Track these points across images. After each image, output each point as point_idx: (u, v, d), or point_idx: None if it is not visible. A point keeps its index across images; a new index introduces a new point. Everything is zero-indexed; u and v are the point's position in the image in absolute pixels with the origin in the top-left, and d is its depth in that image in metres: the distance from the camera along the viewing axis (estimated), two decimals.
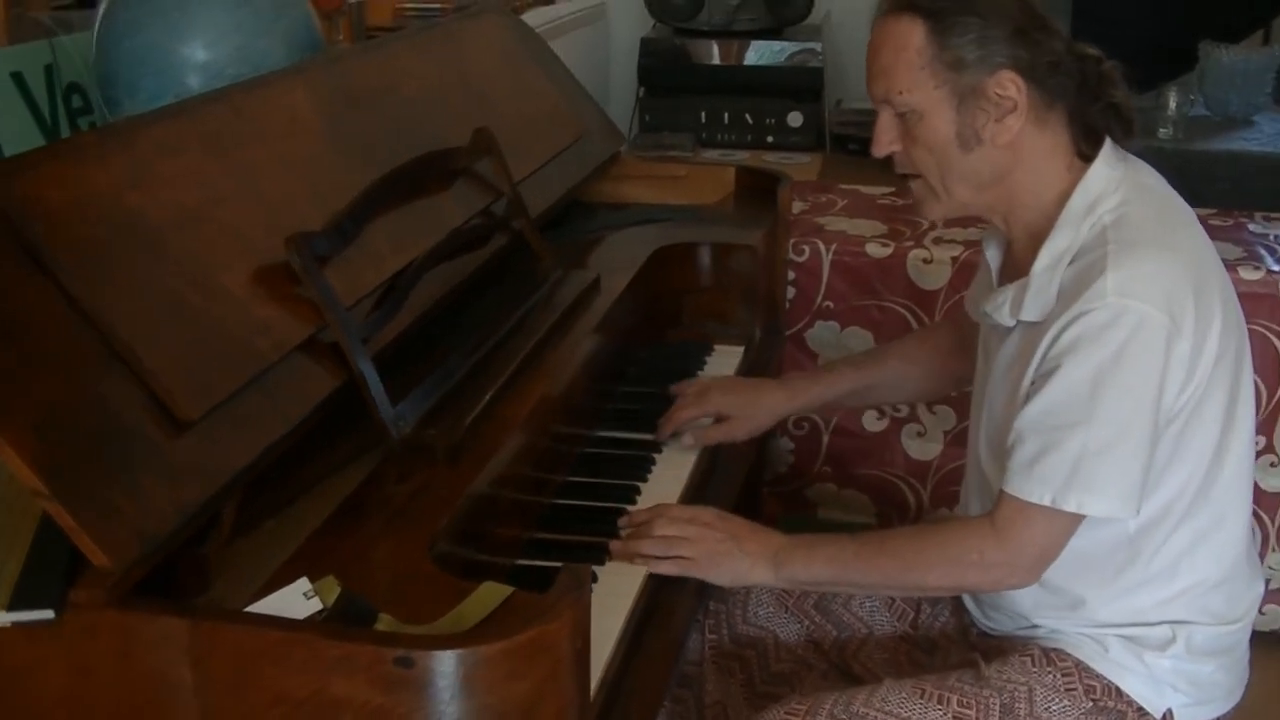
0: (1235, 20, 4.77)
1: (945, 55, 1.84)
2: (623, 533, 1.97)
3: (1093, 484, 1.78)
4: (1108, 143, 1.90)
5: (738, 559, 1.95)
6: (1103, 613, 1.95)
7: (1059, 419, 1.78)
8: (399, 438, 1.76)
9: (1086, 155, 1.90)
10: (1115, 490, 1.78)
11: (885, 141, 1.94)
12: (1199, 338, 1.79)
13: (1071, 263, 1.84)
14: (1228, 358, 1.87)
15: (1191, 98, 4.30)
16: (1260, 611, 3.19)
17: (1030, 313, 1.88)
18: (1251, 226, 3.43)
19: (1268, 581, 3.20)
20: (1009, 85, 1.83)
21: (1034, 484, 1.80)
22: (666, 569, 1.92)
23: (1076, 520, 1.82)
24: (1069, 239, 1.85)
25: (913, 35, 1.86)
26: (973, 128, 1.86)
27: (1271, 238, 3.33)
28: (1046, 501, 1.80)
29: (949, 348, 2.36)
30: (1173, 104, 4.07)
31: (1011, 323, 1.93)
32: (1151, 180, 1.95)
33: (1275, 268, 3.10)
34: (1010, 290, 1.92)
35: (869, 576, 1.95)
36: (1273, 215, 3.56)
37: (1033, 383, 1.83)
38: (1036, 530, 1.83)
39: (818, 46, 4.33)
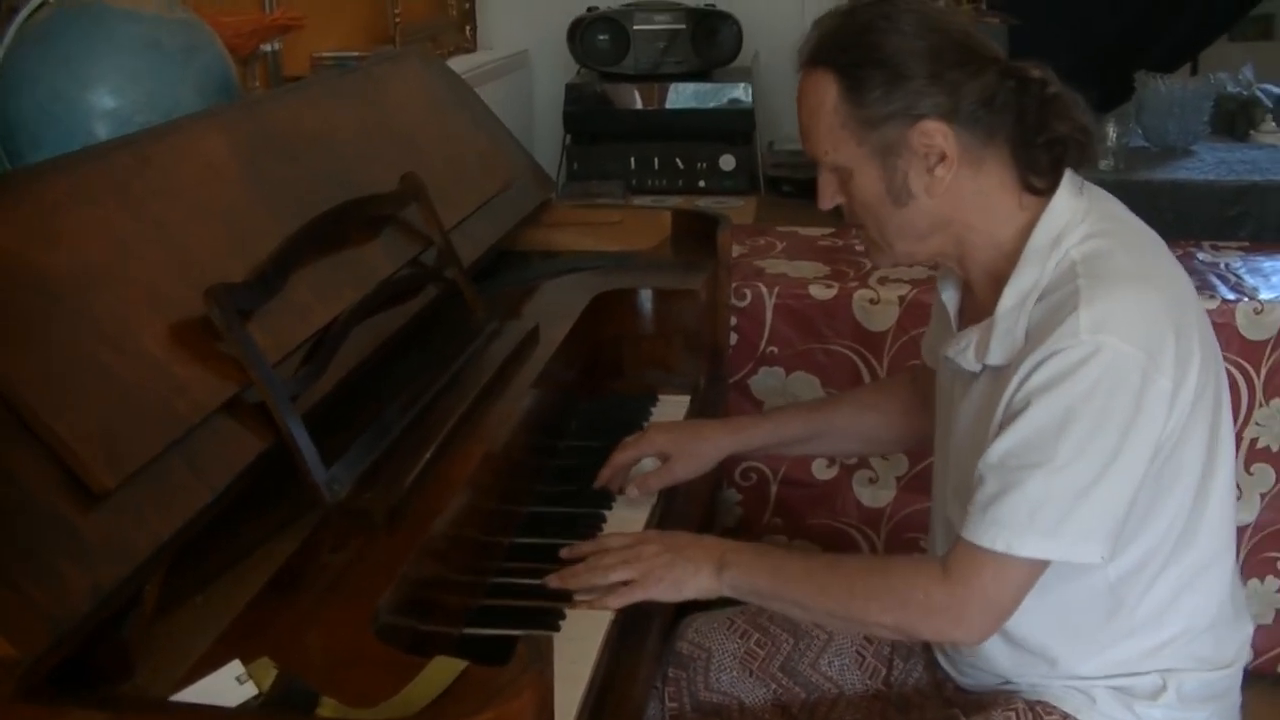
0: (1166, 52, 4.82)
1: (860, 113, 1.76)
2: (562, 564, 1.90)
3: (1053, 528, 1.68)
4: (1068, 172, 1.80)
5: (679, 568, 1.86)
6: (1086, 667, 1.86)
7: (1022, 459, 1.69)
8: (333, 502, 1.64)
9: (1038, 189, 1.79)
10: (1083, 534, 1.69)
11: (827, 197, 1.88)
12: (1179, 374, 1.70)
13: (1039, 300, 1.74)
14: (1207, 395, 1.78)
15: (1130, 128, 4.29)
16: None
17: (996, 356, 1.79)
18: (1200, 255, 3.41)
19: None
20: (933, 135, 1.74)
21: (988, 527, 1.70)
22: (613, 602, 1.83)
23: (1034, 568, 1.72)
24: (1034, 276, 1.75)
25: (828, 94, 1.78)
26: (902, 182, 1.78)
27: (1222, 266, 3.30)
28: (1000, 547, 1.69)
29: (907, 401, 2.26)
30: (1112, 135, 4.06)
31: (977, 367, 1.83)
32: (1117, 209, 1.86)
33: (1230, 296, 3.06)
34: (974, 333, 1.83)
35: (810, 597, 1.84)
36: (1220, 244, 3.55)
37: (1001, 425, 1.73)
38: (986, 577, 1.72)
39: (747, 88, 4.28)
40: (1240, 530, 3.11)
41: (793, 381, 3.18)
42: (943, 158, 1.75)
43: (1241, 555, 3.14)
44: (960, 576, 1.73)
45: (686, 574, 1.86)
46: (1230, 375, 3.00)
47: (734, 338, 3.15)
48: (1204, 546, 1.84)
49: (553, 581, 1.86)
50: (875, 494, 3.23)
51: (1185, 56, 5.08)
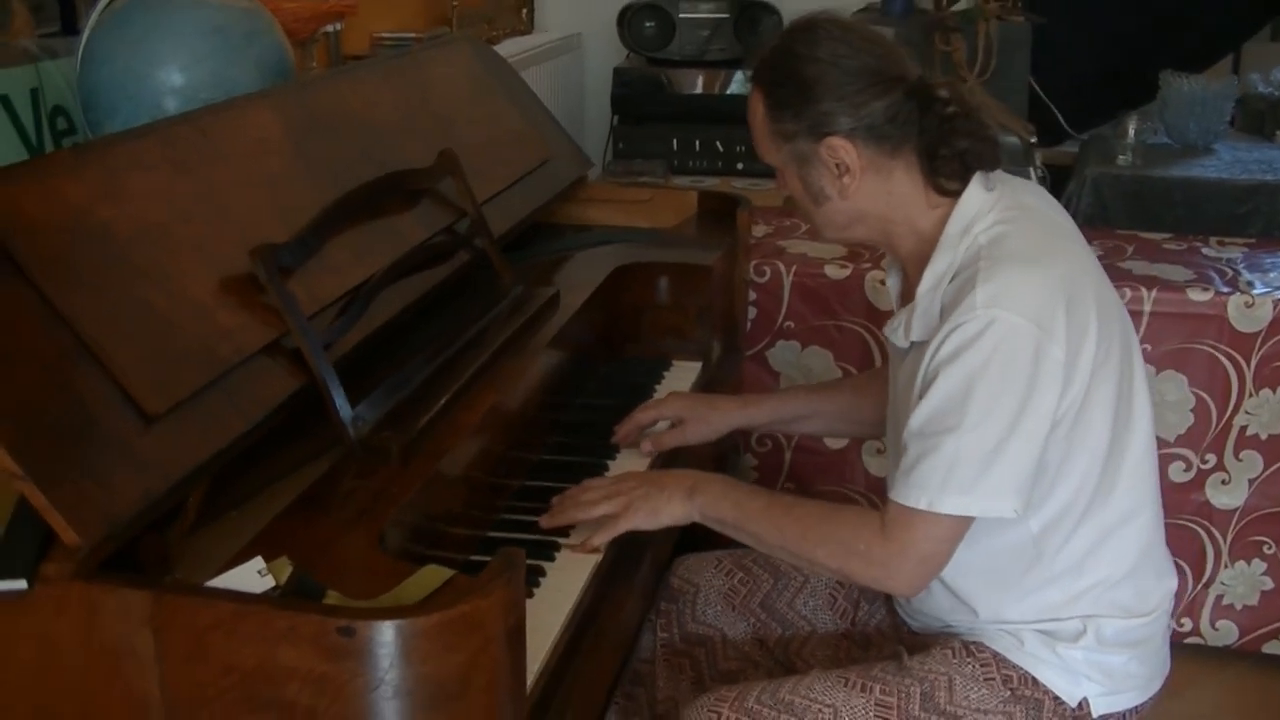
0: (1198, 50, 4.88)
1: (777, 127, 2.01)
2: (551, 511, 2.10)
3: (968, 486, 1.86)
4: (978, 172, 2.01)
5: (654, 497, 2.07)
6: (1013, 612, 2.05)
7: (935, 426, 1.88)
8: (355, 438, 1.86)
9: (947, 191, 2.00)
10: (994, 490, 1.87)
11: (780, 190, 2.13)
12: (1073, 345, 1.88)
13: (951, 281, 1.94)
14: (1110, 364, 1.96)
15: (1152, 126, 4.40)
16: (1213, 627, 3.32)
17: (917, 333, 2.00)
18: (1205, 250, 3.54)
19: (1220, 597, 3.33)
20: (838, 151, 1.97)
21: (911, 489, 1.89)
22: (597, 539, 2.04)
23: (957, 524, 1.90)
24: (947, 261, 1.96)
25: (758, 107, 2.04)
26: (818, 186, 2.02)
27: (1223, 261, 3.44)
28: (923, 505, 1.88)
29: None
30: (1131, 132, 4.19)
31: (906, 344, 2.04)
32: (1031, 199, 2.06)
33: (1224, 289, 3.20)
34: (903, 314, 2.04)
35: (766, 533, 2.04)
36: (1226, 240, 3.67)
37: (918, 395, 1.93)
38: (917, 534, 1.90)
39: None
40: (1228, 514, 3.29)
41: (807, 355, 3.38)
42: (847, 169, 1.98)
43: (1229, 539, 3.31)
44: (893, 534, 1.92)
45: (661, 501, 2.07)
46: (1221, 365, 3.18)
47: (753, 312, 3.34)
48: (1121, 501, 2.02)
49: (543, 522, 2.07)
50: (882, 463, 3.41)
51: (1216, 55, 5.13)
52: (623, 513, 2.06)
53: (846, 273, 3.31)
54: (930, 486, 1.87)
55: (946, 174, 1.99)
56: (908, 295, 2.10)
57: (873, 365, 3.33)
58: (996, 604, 2.06)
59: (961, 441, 1.85)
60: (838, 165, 1.98)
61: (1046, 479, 1.95)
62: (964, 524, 1.91)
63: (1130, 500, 2.04)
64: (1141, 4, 4.78)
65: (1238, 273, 3.34)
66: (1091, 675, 2.04)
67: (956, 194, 1.99)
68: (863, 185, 1.99)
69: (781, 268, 3.34)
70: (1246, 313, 3.18)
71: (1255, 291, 3.22)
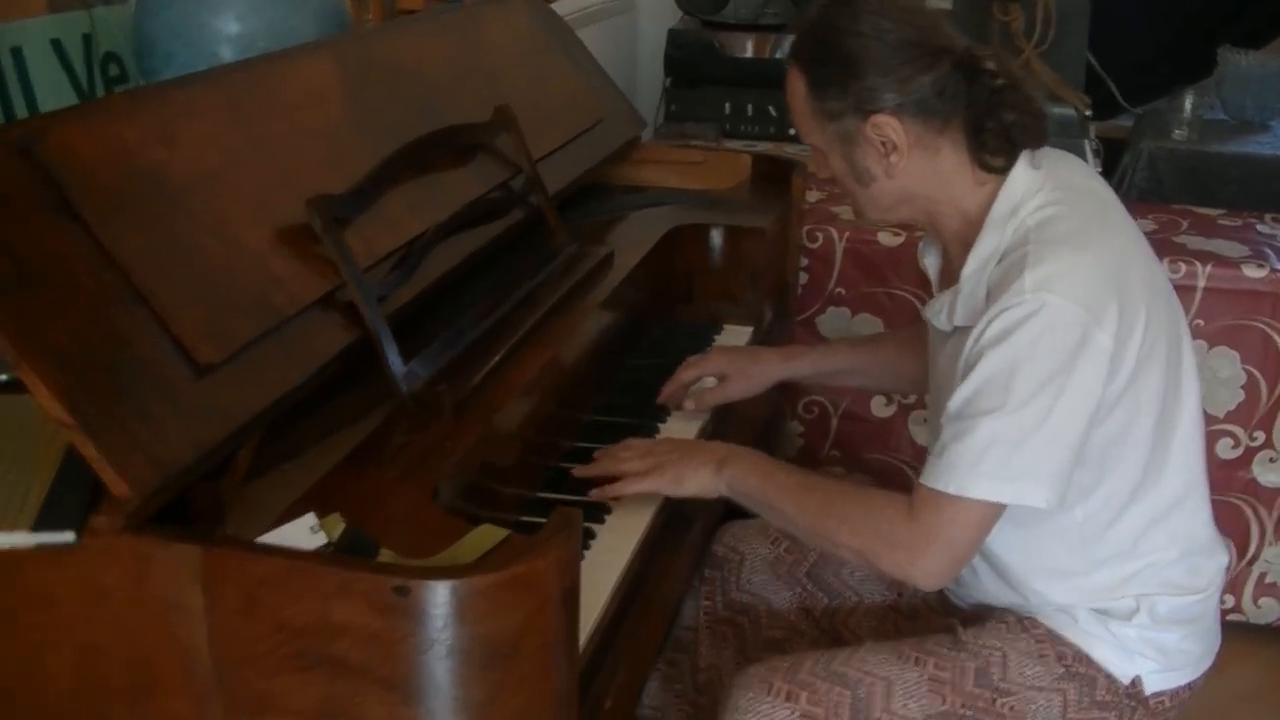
0: (1259, 27, 4.83)
1: (822, 106, 1.94)
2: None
3: (1000, 472, 1.81)
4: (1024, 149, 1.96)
5: (683, 464, 2.03)
6: (1064, 594, 2.02)
7: (973, 408, 1.83)
8: (409, 393, 1.84)
9: (993, 168, 1.94)
10: (1028, 477, 1.81)
11: (818, 169, 2.06)
12: (1122, 333, 1.83)
13: (998, 264, 1.89)
14: (1159, 351, 1.91)
15: (1209, 101, 4.36)
16: (1256, 604, 3.29)
17: (962, 317, 1.95)
18: (1260, 227, 3.49)
19: (1263, 575, 3.30)
20: (884, 128, 1.91)
21: (942, 472, 1.84)
22: (614, 490, 2.01)
23: (986, 511, 1.84)
24: (994, 244, 1.91)
25: (798, 86, 1.97)
26: (863, 166, 1.96)
27: (1279, 239, 3.39)
28: (952, 489, 1.82)
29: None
30: (1188, 107, 4.14)
31: (949, 328, 2.00)
32: (1078, 177, 2.00)
33: (1279, 266, 3.17)
34: (946, 296, 1.99)
35: (790, 510, 1.99)
36: None
37: (960, 378, 1.88)
38: (944, 517, 1.84)
39: None
40: (1274, 491, 3.27)
41: (857, 322, 3.34)
42: (894, 147, 1.92)
43: (1275, 516, 3.27)
44: (920, 516, 1.86)
45: (689, 469, 2.03)
46: (1274, 343, 3.15)
47: (804, 278, 3.31)
48: (1169, 484, 1.98)
49: (577, 471, 2.05)
50: (929, 433, 3.37)
51: (1276, 32, 5.07)
52: (649, 473, 2.02)
53: (900, 240, 3.28)
54: (961, 469, 1.82)
55: (993, 149, 1.93)
56: (948, 276, 2.06)
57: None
58: (1045, 588, 2.02)
59: (998, 425, 1.80)
60: (884, 144, 1.92)
61: (1092, 466, 1.91)
62: (994, 511, 1.85)
63: (1178, 482, 2.00)
64: None
65: None
66: (1145, 653, 2.00)
67: (1002, 171, 1.94)
68: (910, 164, 1.93)
69: (834, 234, 3.31)
70: None
71: None
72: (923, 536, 1.86)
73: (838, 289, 3.33)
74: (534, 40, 2.85)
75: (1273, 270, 3.15)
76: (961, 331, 1.94)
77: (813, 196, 3.47)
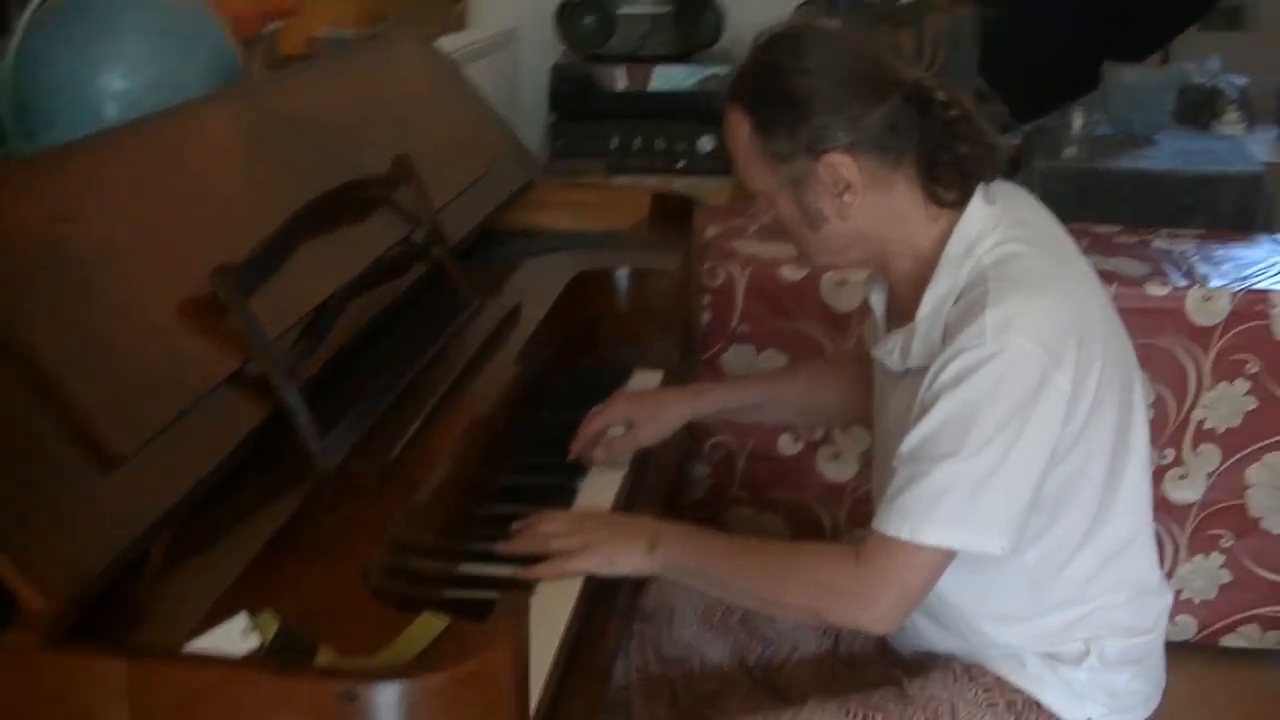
0: (1136, 42, 4.87)
1: (770, 148, 1.86)
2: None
3: (956, 517, 1.77)
4: (980, 184, 1.91)
5: (613, 545, 1.94)
6: (1012, 639, 1.97)
7: (929, 452, 1.78)
8: (328, 469, 1.75)
9: (948, 202, 1.89)
10: (985, 524, 1.78)
11: (762, 214, 2.00)
12: (1079, 376, 1.80)
13: (955, 304, 1.84)
14: (1113, 393, 1.88)
15: (1096, 117, 4.37)
16: (1172, 621, 3.28)
17: (918, 358, 1.89)
18: (1156, 243, 3.50)
19: (1179, 592, 3.29)
20: (838, 168, 1.84)
21: (895, 516, 1.79)
22: (542, 571, 1.90)
23: (940, 557, 1.81)
24: (950, 282, 1.86)
25: (743, 129, 1.89)
26: (815, 208, 1.88)
27: (1177, 253, 3.40)
28: (905, 535, 1.78)
29: (856, 377, 2.34)
30: (1077, 124, 4.14)
31: (902, 368, 1.94)
32: (1030, 214, 1.96)
33: (1181, 284, 3.17)
34: (899, 336, 1.94)
35: (731, 580, 1.94)
36: (1178, 231, 3.64)
37: (914, 420, 1.83)
38: (895, 563, 1.80)
39: (727, 70, 4.36)
40: (1185, 508, 3.26)
41: (763, 359, 3.28)
42: (847, 186, 1.85)
43: (1187, 532, 3.27)
44: (870, 563, 1.81)
45: (620, 549, 1.94)
46: (1178, 360, 3.15)
47: (707, 316, 3.25)
48: (1118, 530, 1.95)
49: (500, 548, 1.95)
50: (839, 469, 3.33)
51: (1156, 46, 5.13)
52: (578, 553, 1.93)
53: (802, 274, 3.23)
54: (916, 514, 1.77)
55: (947, 183, 1.87)
56: (899, 316, 2.00)
57: None
58: (993, 632, 1.97)
59: (956, 469, 1.76)
60: (838, 183, 1.85)
61: (1046, 510, 1.86)
62: (947, 557, 1.81)
63: (1128, 524, 1.97)
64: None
65: (1192, 266, 3.31)
66: (1096, 696, 1.97)
67: (956, 205, 1.88)
68: (864, 202, 1.87)
69: (736, 269, 3.25)
70: (1204, 306, 3.15)
71: (1212, 284, 3.19)
72: (875, 583, 1.81)
73: (741, 326, 3.27)
74: (427, 82, 2.78)
75: (1175, 288, 3.15)
76: (916, 372, 1.89)
77: (711, 232, 3.42)
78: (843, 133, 1.83)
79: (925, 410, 1.79)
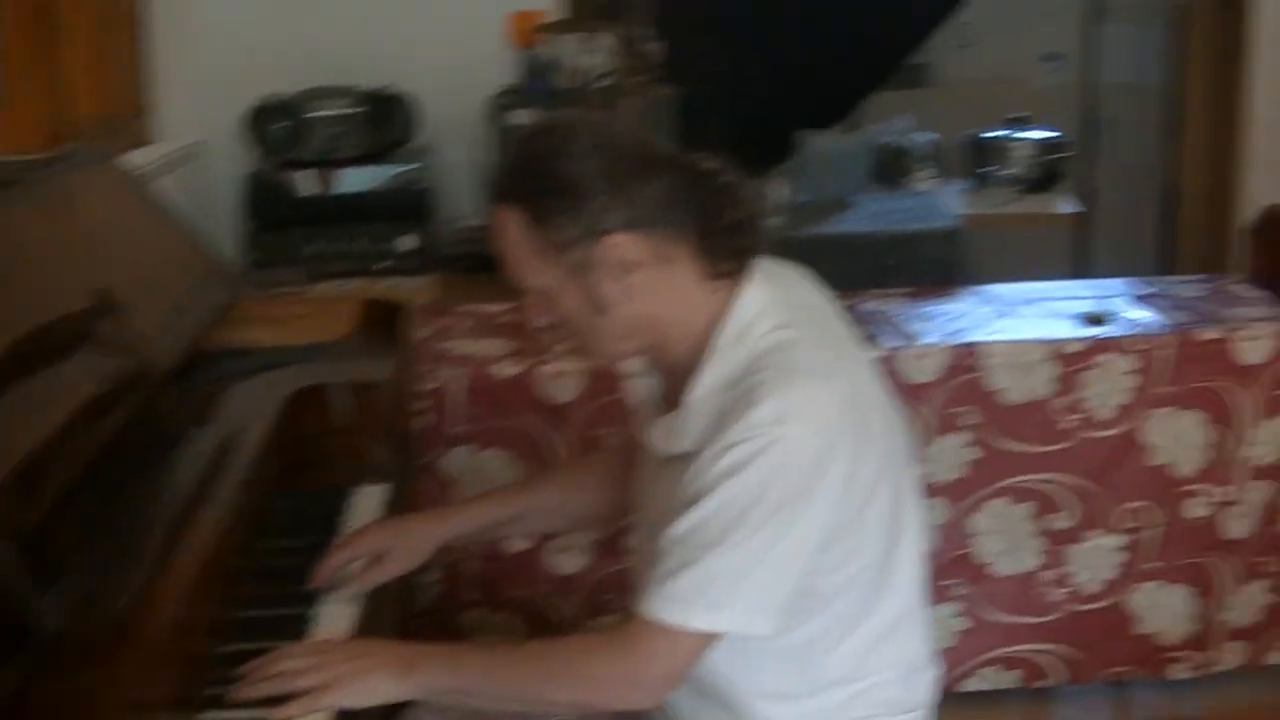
0: (828, 108, 5.01)
1: (550, 239, 1.86)
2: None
3: (725, 602, 1.79)
4: (756, 262, 1.94)
5: (362, 675, 1.88)
6: (784, 716, 1.98)
7: (701, 538, 1.79)
8: (49, 632, 1.65)
9: (725, 274, 1.91)
10: (753, 608, 1.80)
11: (535, 316, 1.97)
12: (855, 464, 1.83)
13: (728, 389, 1.85)
14: (886, 480, 1.91)
15: (795, 185, 4.47)
16: None
17: (689, 442, 1.90)
18: (866, 305, 3.59)
19: None
20: (620, 248, 1.85)
21: (663, 601, 1.80)
22: (289, 711, 1.83)
23: (707, 638, 1.82)
24: (723, 367, 1.87)
25: (517, 227, 1.88)
26: (599, 296, 1.88)
27: (886, 314, 3.51)
28: (673, 620, 1.79)
29: (612, 476, 2.33)
30: (778, 193, 4.23)
31: (671, 452, 1.94)
32: (809, 296, 2.00)
33: (895, 343, 3.28)
34: (668, 420, 1.94)
35: (495, 688, 1.91)
36: (885, 292, 3.74)
37: (686, 504, 1.83)
38: (662, 647, 1.81)
39: (423, 168, 4.34)
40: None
41: (485, 459, 3.25)
42: (634, 266, 1.86)
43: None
44: (635, 647, 1.82)
45: (370, 679, 1.88)
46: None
47: (424, 420, 3.20)
48: (890, 611, 1.98)
49: (239, 694, 1.85)
50: (571, 560, 3.33)
51: (847, 110, 5.28)
52: (326, 688, 1.85)
53: (519, 369, 3.22)
54: (684, 600, 1.78)
55: (723, 252, 1.90)
56: (670, 398, 1.99)
57: (554, 461, 3.23)
58: (766, 710, 1.98)
59: (727, 556, 1.77)
60: (622, 264, 1.85)
61: (818, 592, 1.89)
62: (714, 639, 1.82)
63: (900, 605, 2.00)
64: (774, 67, 4.85)
65: (902, 325, 3.42)
66: None
67: (732, 277, 1.90)
68: (649, 281, 1.87)
69: (450, 371, 3.23)
70: (918, 364, 3.27)
71: (924, 341, 3.30)
72: (641, 667, 1.82)
73: (460, 428, 3.24)
74: (118, 204, 2.68)
75: (888, 348, 3.24)
76: (685, 456, 1.88)
77: (421, 333, 3.38)
78: (621, 212, 1.83)
79: (699, 496, 1.80)
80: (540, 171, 1.87)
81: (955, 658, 3.44)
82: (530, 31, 4.32)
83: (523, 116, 3.99)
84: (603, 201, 1.84)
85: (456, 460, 3.27)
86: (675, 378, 1.98)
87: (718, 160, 1.94)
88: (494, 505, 2.39)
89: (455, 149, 4.54)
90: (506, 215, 1.90)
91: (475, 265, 4.09)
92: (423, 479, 3.20)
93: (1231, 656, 3.68)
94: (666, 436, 1.95)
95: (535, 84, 4.18)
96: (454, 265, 4.25)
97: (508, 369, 3.22)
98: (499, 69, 4.45)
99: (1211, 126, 5.65)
